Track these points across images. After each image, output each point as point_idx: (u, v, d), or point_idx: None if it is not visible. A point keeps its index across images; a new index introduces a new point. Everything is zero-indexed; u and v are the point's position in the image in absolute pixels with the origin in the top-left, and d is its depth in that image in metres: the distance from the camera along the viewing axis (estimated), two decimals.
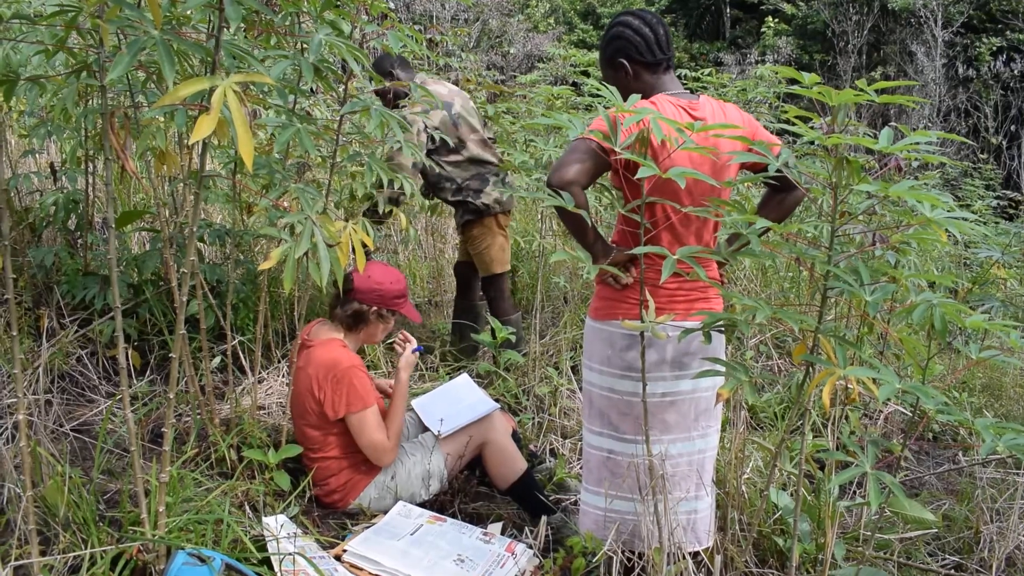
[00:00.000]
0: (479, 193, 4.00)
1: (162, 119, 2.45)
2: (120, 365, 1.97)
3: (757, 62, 14.44)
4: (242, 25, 2.34)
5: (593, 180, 2.16)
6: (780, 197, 2.38)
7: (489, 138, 4.09)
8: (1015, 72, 14.36)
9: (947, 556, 2.87)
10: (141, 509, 2.02)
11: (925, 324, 1.76)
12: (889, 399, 4.19)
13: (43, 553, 2.00)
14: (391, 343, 3.12)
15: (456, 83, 4.56)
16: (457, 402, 3.09)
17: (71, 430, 2.82)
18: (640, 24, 2.30)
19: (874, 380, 1.74)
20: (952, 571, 2.73)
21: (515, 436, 3.06)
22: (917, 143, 1.72)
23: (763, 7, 17.96)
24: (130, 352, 3.21)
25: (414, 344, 2.98)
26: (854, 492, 3.39)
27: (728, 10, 18.49)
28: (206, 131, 1.57)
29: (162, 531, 2.04)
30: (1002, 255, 3.88)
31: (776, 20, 16.99)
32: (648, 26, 2.30)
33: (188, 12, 2.17)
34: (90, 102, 3.15)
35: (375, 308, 2.83)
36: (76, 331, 3.28)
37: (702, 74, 6.55)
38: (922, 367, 1.93)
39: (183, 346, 2.48)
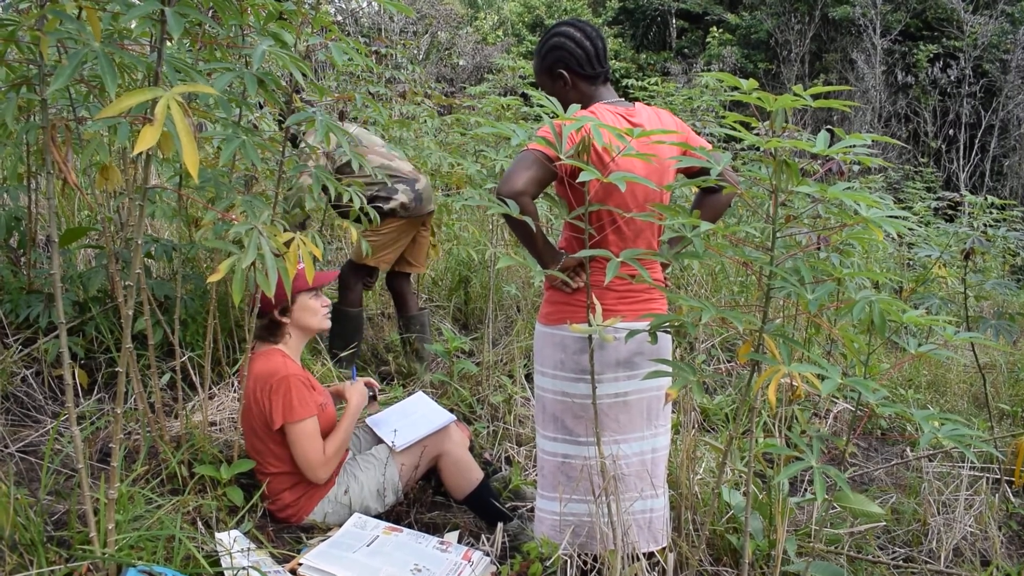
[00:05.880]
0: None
1: (105, 133, 2.42)
2: (66, 383, 1.93)
3: (703, 71, 14.65)
4: (185, 39, 2.33)
5: (543, 188, 2.18)
6: (712, 197, 2.45)
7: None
8: (951, 78, 14.78)
9: (897, 549, 2.93)
10: (90, 528, 1.99)
11: (866, 321, 1.81)
12: (835, 395, 4.28)
13: None
14: None
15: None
16: (412, 414, 3.08)
17: (16, 451, 2.76)
18: (581, 37, 2.33)
19: (818, 376, 1.78)
20: (901, 563, 2.79)
21: (469, 447, 3.06)
22: (852, 146, 1.77)
23: (708, 18, 18.27)
24: (76, 370, 3.15)
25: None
26: (804, 490, 3.45)
27: (674, 21, 18.75)
28: (150, 141, 1.56)
29: (112, 549, 2.01)
30: (941, 254, 3.97)
31: (720, 30, 17.30)
32: (588, 39, 2.34)
33: (129, 24, 2.16)
34: (31, 118, 3.10)
35: (275, 306, 2.80)
36: (20, 351, 3.22)
37: (648, 83, 6.65)
38: (863, 361, 1.98)
39: (131, 361, 2.45)
